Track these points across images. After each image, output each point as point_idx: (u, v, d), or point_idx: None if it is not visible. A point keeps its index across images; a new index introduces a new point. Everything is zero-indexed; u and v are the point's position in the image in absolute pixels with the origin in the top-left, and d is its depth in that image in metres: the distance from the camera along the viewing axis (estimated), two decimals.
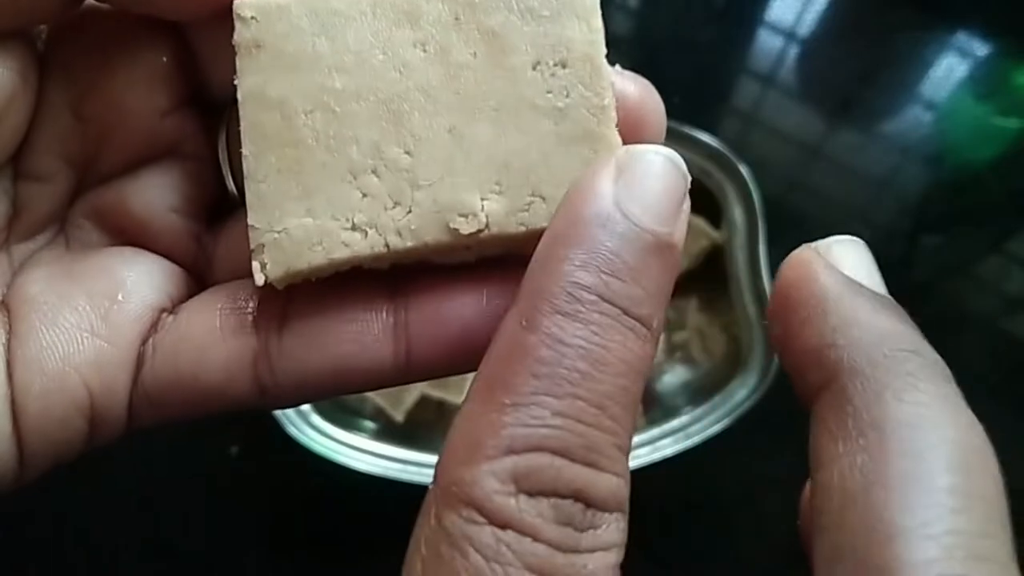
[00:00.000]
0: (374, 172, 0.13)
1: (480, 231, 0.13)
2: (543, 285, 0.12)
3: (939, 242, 0.47)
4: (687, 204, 0.13)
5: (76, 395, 0.13)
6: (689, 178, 0.13)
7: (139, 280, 0.15)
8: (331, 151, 0.13)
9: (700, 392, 0.42)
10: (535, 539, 0.11)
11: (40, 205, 0.15)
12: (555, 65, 0.14)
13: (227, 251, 0.16)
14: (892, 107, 0.50)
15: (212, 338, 0.14)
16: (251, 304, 0.14)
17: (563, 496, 0.11)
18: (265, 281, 0.13)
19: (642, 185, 0.12)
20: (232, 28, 0.14)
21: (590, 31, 0.14)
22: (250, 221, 0.13)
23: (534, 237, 0.13)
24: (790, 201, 0.47)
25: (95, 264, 0.15)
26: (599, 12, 0.14)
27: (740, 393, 0.40)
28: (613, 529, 0.12)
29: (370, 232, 0.13)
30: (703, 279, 0.44)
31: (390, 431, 0.41)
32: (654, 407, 0.43)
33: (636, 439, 0.40)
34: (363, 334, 0.14)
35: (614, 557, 0.11)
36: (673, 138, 0.43)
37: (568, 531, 0.11)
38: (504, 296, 0.14)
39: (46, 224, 0.15)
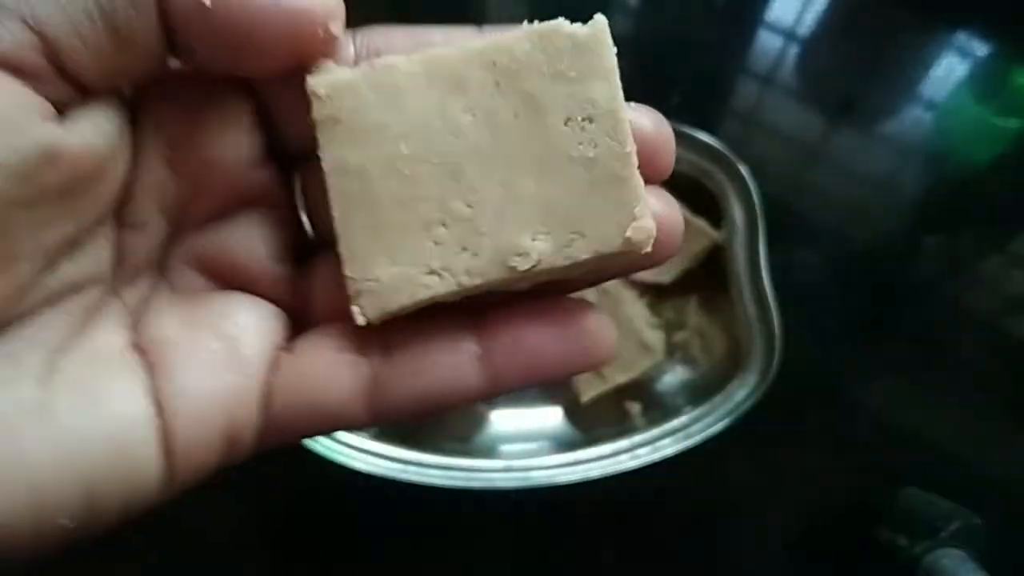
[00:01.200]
0: (443, 224, 0.16)
1: (534, 267, 0.16)
2: None
3: (939, 242, 0.47)
4: None
5: (219, 424, 0.15)
6: None
7: (258, 322, 0.17)
8: (405, 209, 0.16)
9: (700, 392, 0.42)
10: None
11: (139, 252, 0.17)
12: (584, 120, 0.16)
13: (321, 292, 0.18)
14: (892, 107, 0.50)
15: (331, 371, 0.16)
16: (359, 341, 0.17)
17: None
18: (365, 321, 0.16)
19: None
20: (300, 85, 0.16)
21: (611, 88, 0.16)
22: (346, 273, 0.16)
23: (576, 266, 0.16)
24: (790, 201, 0.47)
25: (216, 309, 0.17)
26: (617, 72, 0.16)
27: (740, 393, 0.40)
28: None
29: (445, 275, 0.16)
30: (703, 279, 0.44)
31: (390, 431, 0.41)
32: (654, 407, 0.43)
33: (636, 439, 0.41)
34: (457, 365, 0.16)
35: None
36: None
37: None
38: (560, 323, 0.16)
39: (145, 269, 0.17)
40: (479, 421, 0.45)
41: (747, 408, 0.39)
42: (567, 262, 0.16)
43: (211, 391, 0.15)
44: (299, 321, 0.18)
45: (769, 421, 0.39)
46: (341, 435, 0.40)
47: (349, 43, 0.16)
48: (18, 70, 0.13)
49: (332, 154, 0.16)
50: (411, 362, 0.16)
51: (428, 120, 0.16)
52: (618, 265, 0.17)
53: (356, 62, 0.16)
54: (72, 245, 0.15)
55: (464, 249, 0.16)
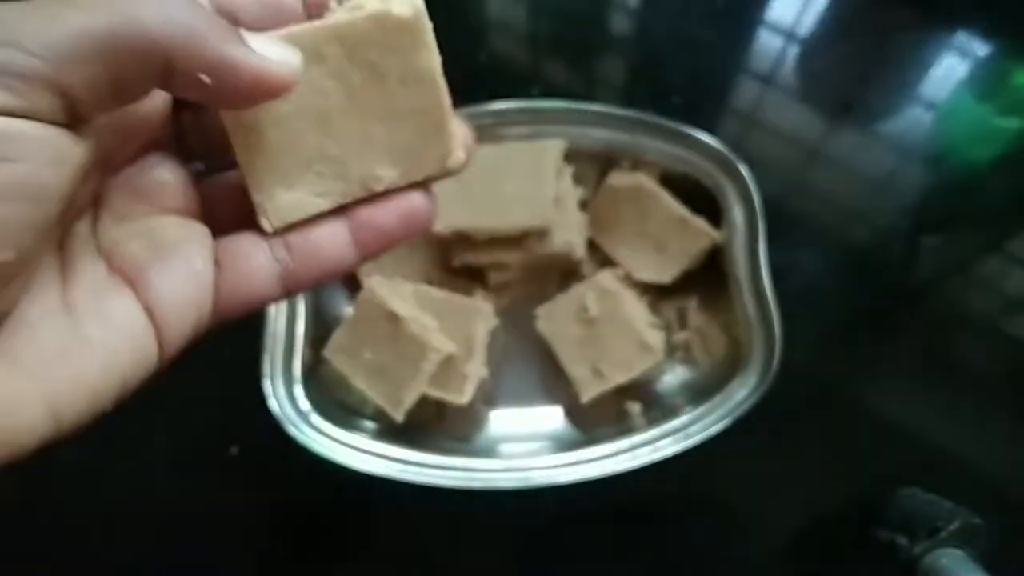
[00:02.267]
0: (321, 161, 0.22)
1: (385, 187, 0.22)
2: None
3: (939, 242, 0.47)
4: None
5: (192, 318, 0.20)
6: None
7: (200, 239, 0.21)
8: (292, 152, 0.21)
9: (700, 392, 0.42)
10: None
11: (83, 195, 0.20)
12: (413, 82, 0.21)
13: (226, 207, 0.22)
14: (892, 107, 0.51)
15: (256, 269, 0.22)
16: (274, 247, 0.22)
17: None
18: (272, 229, 0.22)
19: None
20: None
21: (432, 59, 0.21)
22: (254, 198, 0.21)
23: (412, 183, 0.22)
24: (790, 201, 0.47)
25: (164, 233, 0.21)
26: (435, 44, 0.21)
27: (740, 393, 0.40)
28: None
29: (326, 196, 0.22)
30: (703, 279, 0.44)
31: (390, 431, 0.42)
32: (654, 407, 0.43)
33: (636, 439, 0.41)
34: (339, 250, 0.22)
35: None
36: (673, 138, 0.43)
37: None
38: (398, 207, 0.23)
39: (86, 206, 0.21)
40: (479, 421, 0.45)
41: (747, 408, 0.39)
42: (405, 182, 0.22)
43: (184, 297, 0.20)
44: (211, 226, 0.22)
45: (769, 421, 0.39)
46: (341, 435, 0.40)
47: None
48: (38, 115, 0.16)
49: (231, 118, 0.20)
50: (309, 254, 0.22)
51: (302, 84, 0.20)
52: (434, 179, 0.23)
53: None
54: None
55: (338, 178, 0.22)
